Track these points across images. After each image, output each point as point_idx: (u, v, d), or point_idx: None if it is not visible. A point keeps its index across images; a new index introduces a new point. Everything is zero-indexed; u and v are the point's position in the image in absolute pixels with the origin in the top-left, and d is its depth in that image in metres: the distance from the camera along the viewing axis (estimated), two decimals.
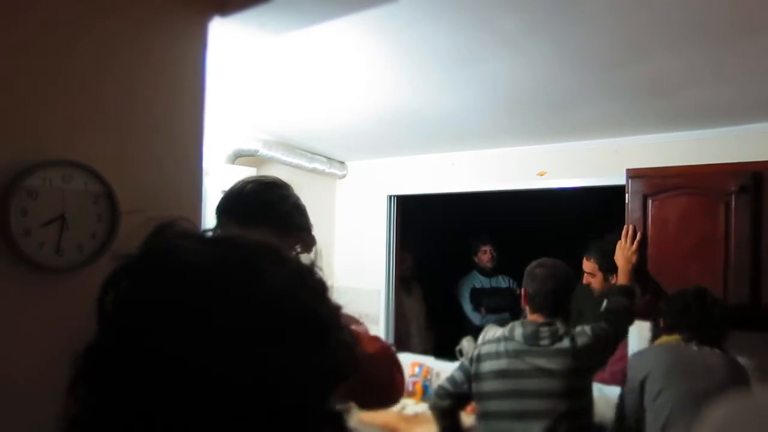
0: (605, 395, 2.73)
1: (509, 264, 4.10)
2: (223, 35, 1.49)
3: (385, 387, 1.28)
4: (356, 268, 3.73)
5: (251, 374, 0.47)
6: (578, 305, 3.49)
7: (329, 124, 2.96)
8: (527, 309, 2.17)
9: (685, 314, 2.08)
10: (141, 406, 0.47)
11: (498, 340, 2.12)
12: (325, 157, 3.68)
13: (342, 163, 3.85)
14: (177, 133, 1.31)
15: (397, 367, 1.32)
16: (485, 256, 4.04)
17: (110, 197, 1.15)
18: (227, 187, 1.43)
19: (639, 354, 2.20)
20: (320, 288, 0.57)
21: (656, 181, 2.45)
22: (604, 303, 2.23)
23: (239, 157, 3.07)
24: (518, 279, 4.02)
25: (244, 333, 0.48)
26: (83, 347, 0.51)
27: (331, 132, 3.14)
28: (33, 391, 1.02)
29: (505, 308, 3.91)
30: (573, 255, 3.37)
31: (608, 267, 2.83)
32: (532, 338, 2.03)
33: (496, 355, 2.06)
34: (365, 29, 1.79)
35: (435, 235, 4.23)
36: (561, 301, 2.12)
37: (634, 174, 2.51)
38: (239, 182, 1.44)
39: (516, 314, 3.90)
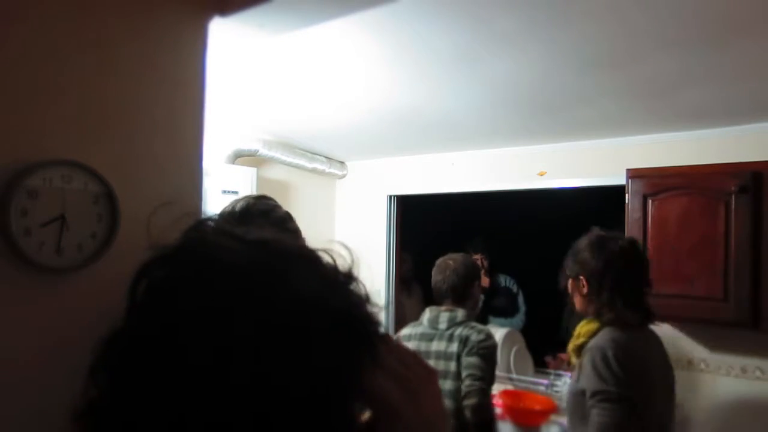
0: None
1: (509, 264, 4.10)
2: (223, 35, 1.49)
3: None
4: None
5: (273, 376, 0.47)
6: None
7: (329, 124, 2.96)
8: (435, 300, 2.40)
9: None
10: (159, 397, 0.47)
11: (413, 324, 2.36)
12: (325, 157, 3.68)
13: (342, 162, 3.85)
14: (177, 133, 1.31)
15: None
16: None
17: (110, 197, 1.15)
18: (222, 193, 1.51)
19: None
20: (355, 298, 0.56)
21: (656, 181, 2.45)
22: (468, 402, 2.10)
23: (239, 157, 3.07)
24: (518, 279, 4.05)
25: (272, 336, 0.48)
26: (108, 332, 0.51)
27: (331, 132, 3.14)
28: (33, 390, 1.02)
29: (500, 307, 3.91)
30: None
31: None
32: (433, 322, 2.27)
33: (408, 338, 2.29)
34: (365, 29, 1.79)
35: (435, 235, 4.22)
36: (462, 292, 2.32)
37: (634, 174, 2.51)
38: (230, 203, 1.54)
39: (511, 312, 3.92)
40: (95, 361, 0.51)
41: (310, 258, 0.56)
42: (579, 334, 1.81)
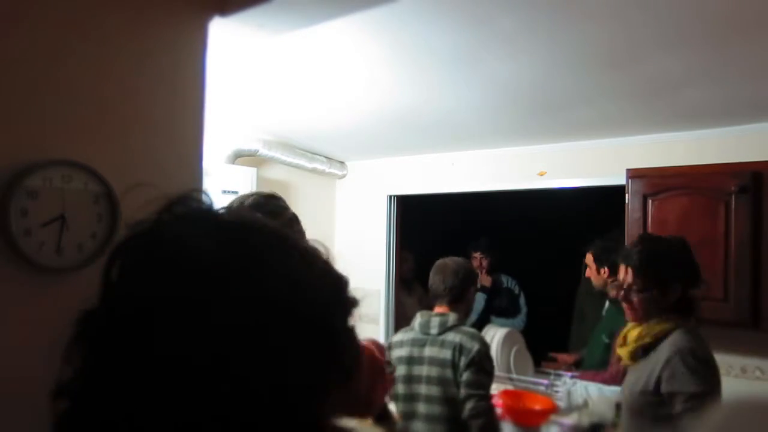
0: (605, 395, 2.73)
1: (510, 264, 4.10)
2: (223, 35, 1.49)
3: (364, 393, 1.18)
4: (356, 268, 3.73)
5: (241, 369, 0.47)
6: (580, 304, 3.53)
7: (329, 124, 2.96)
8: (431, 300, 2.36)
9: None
10: (130, 375, 0.47)
11: (405, 330, 2.32)
12: (325, 157, 3.68)
13: (342, 163, 3.85)
14: (177, 133, 1.31)
15: (379, 373, 1.21)
16: (475, 262, 4.02)
17: (110, 197, 1.15)
18: (225, 191, 1.49)
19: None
20: (335, 283, 0.56)
21: (656, 181, 2.45)
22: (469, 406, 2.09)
23: (239, 157, 3.07)
24: (519, 278, 4.05)
25: (236, 327, 0.48)
26: (82, 311, 0.52)
27: (331, 132, 3.14)
28: (32, 390, 1.02)
29: (502, 307, 3.91)
30: (573, 254, 3.39)
31: (602, 260, 2.98)
32: (424, 327, 2.22)
33: (400, 344, 2.26)
34: (365, 29, 1.79)
35: (435, 235, 4.23)
36: (459, 294, 2.28)
37: (634, 174, 2.51)
38: (239, 197, 1.52)
39: (512, 313, 3.92)
40: (70, 339, 0.52)
41: (286, 250, 0.55)
42: (643, 335, 1.76)
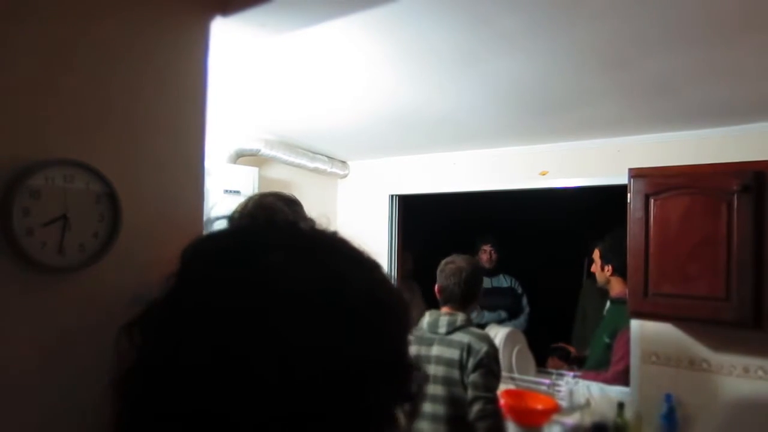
0: (607, 395, 2.74)
1: (511, 263, 4.10)
2: (225, 35, 1.50)
3: None
4: None
5: (313, 391, 0.47)
6: (582, 303, 3.53)
7: (331, 123, 2.96)
8: (440, 302, 2.35)
9: None
10: (192, 372, 0.47)
11: (413, 329, 2.27)
12: (327, 156, 3.68)
13: (344, 162, 3.86)
14: (179, 133, 1.31)
15: None
16: (484, 255, 4.05)
17: (112, 197, 1.15)
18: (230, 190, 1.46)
19: None
20: (404, 302, 0.57)
21: (658, 181, 2.44)
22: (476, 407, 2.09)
23: (241, 156, 3.08)
24: (520, 278, 4.05)
25: (311, 349, 0.48)
26: (156, 294, 0.52)
27: (333, 131, 3.14)
28: (33, 390, 1.02)
29: (503, 307, 3.92)
30: (574, 254, 3.39)
31: (607, 258, 3.01)
32: (432, 326, 2.22)
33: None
34: (366, 29, 1.79)
35: (437, 234, 4.23)
36: (466, 295, 2.28)
37: (636, 173, 2.51)
38: (253, 198, 1.47)
39: (514, 313, 3.93)
40: (137, 316, 0.52)
41: (367, 269, 0.56)
42: None
